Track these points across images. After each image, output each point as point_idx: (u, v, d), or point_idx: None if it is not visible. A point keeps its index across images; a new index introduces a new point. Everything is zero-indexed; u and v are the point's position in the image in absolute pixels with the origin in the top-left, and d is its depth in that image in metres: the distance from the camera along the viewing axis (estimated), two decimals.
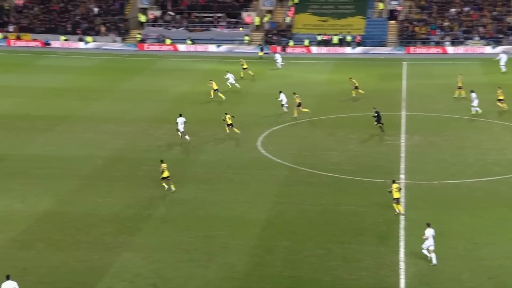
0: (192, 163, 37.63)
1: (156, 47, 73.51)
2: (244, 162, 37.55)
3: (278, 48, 70.28)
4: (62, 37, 74.77)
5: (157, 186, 33.78)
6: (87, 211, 30.88)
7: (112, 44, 74.28)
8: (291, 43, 73.00)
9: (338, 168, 36.09)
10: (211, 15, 77.47)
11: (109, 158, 38.19)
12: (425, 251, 25.89)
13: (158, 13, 78.09)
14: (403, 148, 39.07)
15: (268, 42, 73.94)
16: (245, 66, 58.05)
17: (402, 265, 25.69)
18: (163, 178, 33.04)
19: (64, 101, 50.65)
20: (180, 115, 40.69)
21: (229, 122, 41.19)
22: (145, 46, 73.78)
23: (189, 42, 74.12)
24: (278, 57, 62.55)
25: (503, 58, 58.91)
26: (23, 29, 76.13)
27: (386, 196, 30.46)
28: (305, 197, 32.39)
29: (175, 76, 59.28)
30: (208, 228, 29.10)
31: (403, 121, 44.53)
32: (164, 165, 33.11)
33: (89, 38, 74.72)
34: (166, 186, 33.02)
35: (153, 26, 77.11)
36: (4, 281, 23.18)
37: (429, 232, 25.91)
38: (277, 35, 74.51)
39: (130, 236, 28.42)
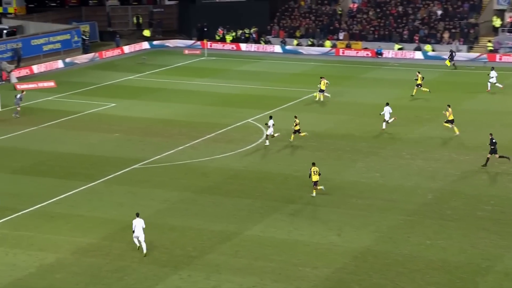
0: None
1: (510, 58, 70.81)
2: None
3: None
4: (397, 46, 76.32)
5: (500, 231, 32.15)
6: (412, 253, 30.63)
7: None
8: None
9: None
10: None
11: (441, 191, 37.58)
12: None
13: None
14: None
15: None
16: (419, 82, 56.81)
17: None
18: (314, 182, 36.36)
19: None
20: (271, 117, 44.86)
21: (296, 128, 44.89)
22: (497, 56, 71.53)
23: None
24: (493, 74, 57.44)
25: None
26: (353, 36, 79.59)
27: None
28: None
29: None
30: None
31: None
32: (314, 168, 36.20)
33: (427, 47, 75.04)
34: (314, 194, 36.58)
35: (510, 32, 74.36)
36: (134, 218, 30.66)
37: None
38: None
39: None
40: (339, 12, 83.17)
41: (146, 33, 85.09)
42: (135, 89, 61.92)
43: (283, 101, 56.78)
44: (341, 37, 79.86)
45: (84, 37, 77.64)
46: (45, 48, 73.59)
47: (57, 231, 33.04)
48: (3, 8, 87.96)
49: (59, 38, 75.29)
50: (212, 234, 32.76)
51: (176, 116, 52.68)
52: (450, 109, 46.73)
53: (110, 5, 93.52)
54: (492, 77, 58.22)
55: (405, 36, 77.54)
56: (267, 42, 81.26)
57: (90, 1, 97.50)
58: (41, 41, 73.34)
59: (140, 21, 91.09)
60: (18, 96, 53.27)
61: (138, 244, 30.71)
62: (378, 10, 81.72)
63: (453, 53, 68.97)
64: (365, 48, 77.30)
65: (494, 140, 40.41)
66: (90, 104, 56.24)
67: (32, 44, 72.23)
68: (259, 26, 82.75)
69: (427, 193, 37.30)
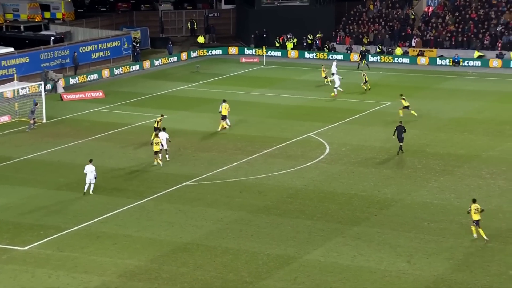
0: None
1: None
2: None
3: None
4: (477, 53, 75.37)
5: None
6: (492, 284, 30.16)
7: None
8: None
9: None
10: None
11: None
12: None
13: None
14: None
15: None
16: (366, 79, 63.64)
17: None
18: (155, 152, 43.79)
19: (468, 135, 50.70)
20: (164, 129, 45.93)
21: (156, 125, 47.89)
22: None
23: None
24: (336, 76, 62.96)
25: None
26: (427, 43, 78.84)
27: None
28: None
29: None
30: None
31: None
32: (157, 139, 43.92)
33: None
34: (155, 163, 44.02)
35: None
36: (87, 164, 39.82)
37: None
38: None
39: None
40: (412, 17, 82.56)
41: (201, 39, 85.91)
42: (188, 100, 62.52)
43: (348, 114, 56.54)
44: (413, 44, 79.23)
45: (134, 44, 78.77)
46: (94, 56, 74.99)
47: (103, 252, 33.46)
48: (51, 13, 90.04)
49: (108, 45, 76.64)
50: (269, 258, 32.73)
51: (231, 129, 52.91)
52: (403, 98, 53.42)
53: (163, 10, 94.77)
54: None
55: (486, 43, 76.47)
56: (332, 49, 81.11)
57: (142, 6, 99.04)
58: (90, 48, 74.77)
59: (195, 26, 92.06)
60: (32, 108, 53.71)
61: (85, 190, 39.58)
62: (456, 14, 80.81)
63: (365, 53, 75.07)
64: (440, 56, 76.49)
65: (398, 128, 46.36)
66: (139, 115, 56.99)
67: (81, 51, 73.62)
68: (323, 32, 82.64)
69: (510, 217, 36.60)
